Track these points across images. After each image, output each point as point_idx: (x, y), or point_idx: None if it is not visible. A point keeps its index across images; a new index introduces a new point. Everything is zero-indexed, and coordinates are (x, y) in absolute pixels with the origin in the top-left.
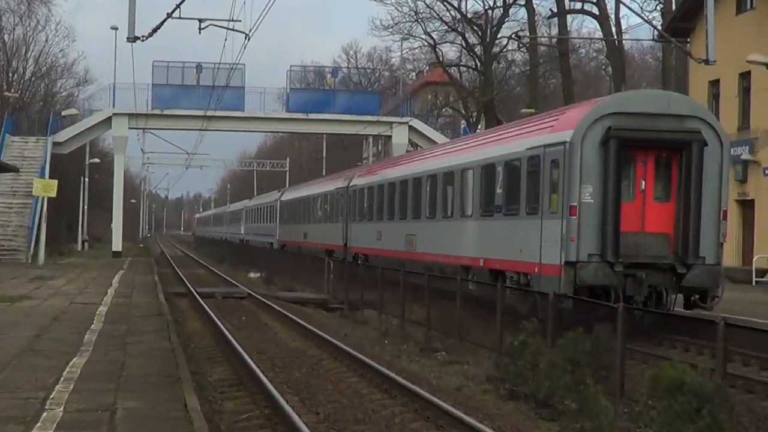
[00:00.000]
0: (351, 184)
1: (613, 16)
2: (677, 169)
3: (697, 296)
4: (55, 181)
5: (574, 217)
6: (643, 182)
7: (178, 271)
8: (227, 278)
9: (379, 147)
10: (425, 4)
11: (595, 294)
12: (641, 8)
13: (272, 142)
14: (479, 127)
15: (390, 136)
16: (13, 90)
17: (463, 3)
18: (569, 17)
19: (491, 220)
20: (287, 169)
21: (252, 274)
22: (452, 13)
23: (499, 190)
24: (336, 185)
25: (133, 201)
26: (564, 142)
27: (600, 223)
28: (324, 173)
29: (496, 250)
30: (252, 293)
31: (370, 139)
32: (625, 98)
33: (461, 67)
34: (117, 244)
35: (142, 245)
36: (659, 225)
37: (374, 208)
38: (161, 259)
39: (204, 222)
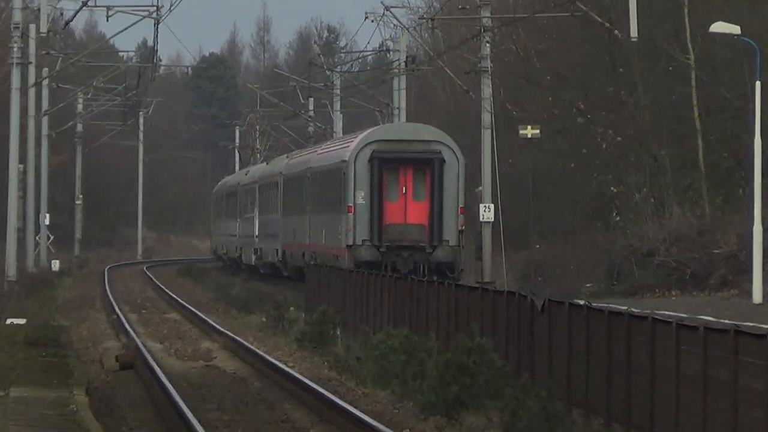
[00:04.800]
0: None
1: None
2: (430, 178)
3: (447, 269)
4: None
5: (351, 214)
6: (404, 188)
7: None
8: None
9: None
10: None
11: (372, 266)
12: None
13: None
14: None
15: None
16: None
17: None
18: None
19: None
20: None
21: None
22: None
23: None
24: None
25: None
26: (345, 161)
27: (369, 217)
28: None
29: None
30: None
31: None
32: (386, 129)
33: None
34: None
35: None
36: (418, 218)
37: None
38: None
39: (223, 206)
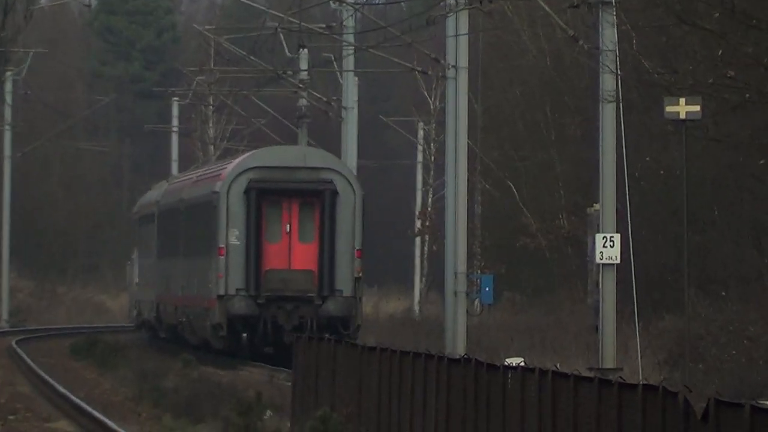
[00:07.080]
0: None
1: None
2: (319, 215)
3: (340, 325)
4: None
5: (222, 257)
6: (289, 225)
7: None
8: None
9: None
10: None
11: (248, 322)
12: None
13: None
14: None
15: None
16: None
17: None
18: None
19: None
20: None
21: None
22: None
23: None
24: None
25: None
26: (216, 192)
27: (245, 261)
28: None
29: None
30: None
31: None
32: (266, 153)
33: None
34: None
35: None
36: (304, 263)
37: None
38: None
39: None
